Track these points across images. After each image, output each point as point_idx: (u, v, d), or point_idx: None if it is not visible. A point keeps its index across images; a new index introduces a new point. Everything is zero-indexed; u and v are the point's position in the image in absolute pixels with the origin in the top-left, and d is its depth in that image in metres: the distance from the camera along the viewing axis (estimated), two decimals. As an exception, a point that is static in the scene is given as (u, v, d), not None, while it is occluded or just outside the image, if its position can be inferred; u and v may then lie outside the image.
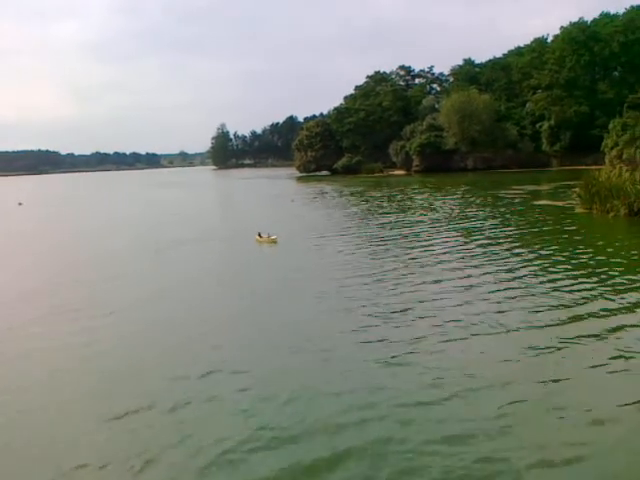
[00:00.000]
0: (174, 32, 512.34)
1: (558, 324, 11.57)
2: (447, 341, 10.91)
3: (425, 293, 14.44)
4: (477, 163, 78.42)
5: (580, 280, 15.00)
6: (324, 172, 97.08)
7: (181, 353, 11.15)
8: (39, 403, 9.44)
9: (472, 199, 39.91)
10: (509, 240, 22.31)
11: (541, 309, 12.53)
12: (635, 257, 18.03)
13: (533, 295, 13.69)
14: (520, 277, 15.65)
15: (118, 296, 16.27)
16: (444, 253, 20.01)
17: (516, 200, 37.39)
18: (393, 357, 10.26)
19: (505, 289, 14.36)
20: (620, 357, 9.87)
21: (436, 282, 15.53)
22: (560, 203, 33.86)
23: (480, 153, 78.88)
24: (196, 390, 9.41)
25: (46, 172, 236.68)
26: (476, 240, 22.64)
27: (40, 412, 9.11)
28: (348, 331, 11.79)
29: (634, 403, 8.29)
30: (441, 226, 27.09)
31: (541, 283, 14.95)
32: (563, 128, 72.87)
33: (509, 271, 16.46)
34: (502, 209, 32.77)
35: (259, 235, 24.63)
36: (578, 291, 13.88)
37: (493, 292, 14.15)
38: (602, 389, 8.88)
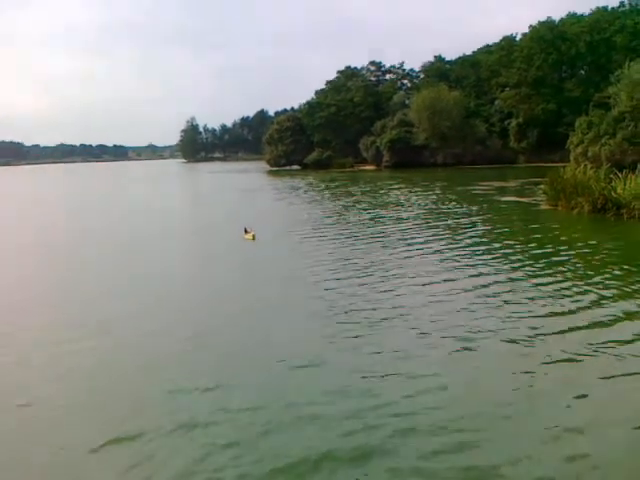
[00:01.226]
0: (144, 24, 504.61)
1: (539, 330, 11.19)
2: (438, 351, 10.35)
3: (412, 298, 13.66)
4: (447, 159, 79.05)
5: (560, 282, 14.65)
6: (295, 166, 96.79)
7: (160, 365, 10.45)
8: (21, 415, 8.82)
9: (446, 195, 39.97)
10: (485, 239, 22.17)
11: (516, 314, 12.08)
12: (599, 254, 18.25)
13: (510, 300, 13.20)
14: (498, 280, 15.19)
15: (89, 303, 15.83)
16: (424, 252, 19.55)
17: (488, 197, 37.70)
18: (382, 370, 9.60)
19: (494, 294, 13.79)
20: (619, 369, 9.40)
21: (421, 285, 14.92)
22: (527, 199, 34.35)
23: (450, 149, 79.57)
24: (181, 410, 8.58)
25: (8, 164, 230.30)
26: (456, 238, 22.25)
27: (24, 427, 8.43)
28: (332, 341, 11.00)
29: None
30: (420, 224, 26.76)
31: (516, 287, 14.44)
32: (531, 125, 73.97)
33: (490, 273, 16.01)
34: (475, 206, 32.65)
35: (245, 231, 24.08)
36: (561, 295, 13.43)
37: (477, 296, 13.57)
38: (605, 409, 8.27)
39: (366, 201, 38.66)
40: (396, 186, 50.02)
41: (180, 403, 8.80)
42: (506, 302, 13.05)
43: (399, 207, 33.91)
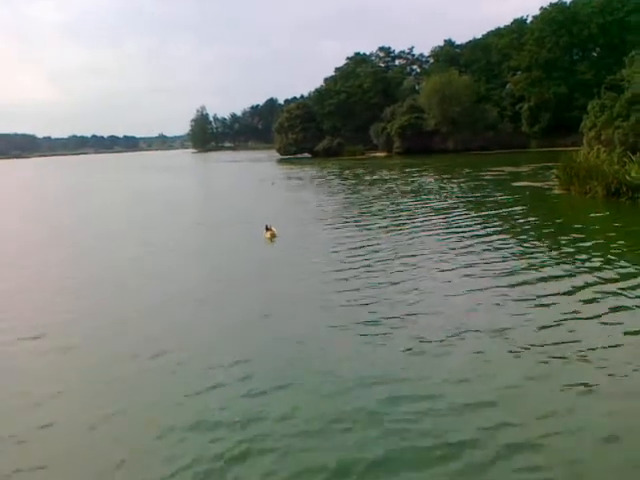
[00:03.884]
0: (153, 14, 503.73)
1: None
2: (508, 373, 8.84)
3: (465, 303, 12.21)
4: (458, 144, 78.67)
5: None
6: (305, 154, 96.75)
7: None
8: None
9: (460, 181, 39.71)
10: (521, 229, 20.89)
11: (592, 320, 10.82)
12: (616, 240, 17.88)
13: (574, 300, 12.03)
14: (545, 277, 13.84)
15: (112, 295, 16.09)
16: (462, 246, 18.15)
17: (501, 182, 37.43)
18: (444, 393, 8.33)
19: (553, 293, 12.41)
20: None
21: (472, 283, 13.57)
22: (539, 184, 34.24)
23: (461, 134, 79.15)
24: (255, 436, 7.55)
25: (22, 156, 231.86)
26: (478, 232, 20.64)
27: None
28: (363, 352, 9.93)
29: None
30: (448, 212, 25.81)
31: (573, 286, 13.05)
32: (542, 109, 73.30)
33: (537, 268, 14.68)
34: (492, 193, 32.08)
35: (266, 228, 21.75)
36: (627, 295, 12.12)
37: (535, 297, 12.27)
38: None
39: (390, 190, 37.60)
40: (416, 174, 49.04)
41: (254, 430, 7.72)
42: (574, 309, 11.48)
43: (424, 196, 33.22)
